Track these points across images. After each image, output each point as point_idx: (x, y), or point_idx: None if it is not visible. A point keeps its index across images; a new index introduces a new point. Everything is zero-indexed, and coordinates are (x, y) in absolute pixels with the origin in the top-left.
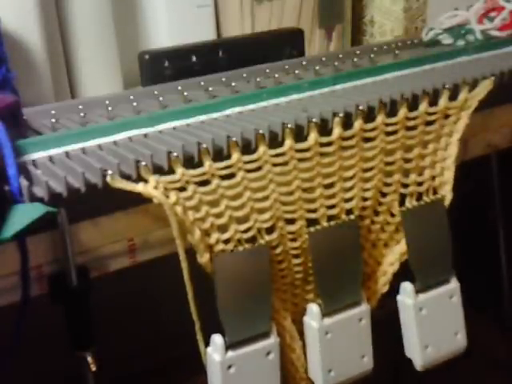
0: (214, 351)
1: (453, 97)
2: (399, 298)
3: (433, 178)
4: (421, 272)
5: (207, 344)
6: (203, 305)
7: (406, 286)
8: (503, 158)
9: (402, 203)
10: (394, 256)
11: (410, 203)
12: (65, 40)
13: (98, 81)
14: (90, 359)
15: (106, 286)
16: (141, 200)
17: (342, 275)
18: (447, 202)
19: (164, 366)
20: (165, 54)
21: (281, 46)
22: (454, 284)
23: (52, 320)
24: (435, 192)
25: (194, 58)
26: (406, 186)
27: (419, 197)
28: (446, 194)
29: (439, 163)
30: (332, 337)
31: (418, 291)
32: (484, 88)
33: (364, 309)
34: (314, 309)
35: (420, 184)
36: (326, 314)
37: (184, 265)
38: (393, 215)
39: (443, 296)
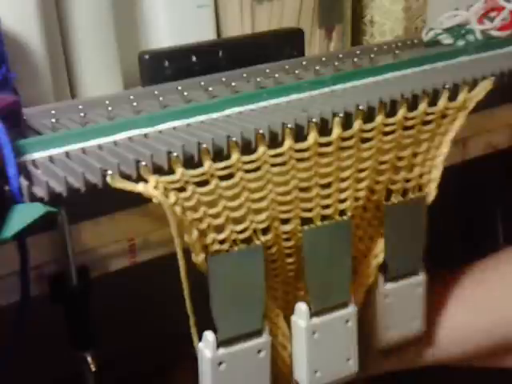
0: (206, 347)
1: (452, 97)
2: None
3: (420, 175)
4: (393, 262)
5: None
6: (202, 304)
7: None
8: (503, 158)
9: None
10: (378, 248)
11: (395, 199)
12: (65, 40)
13: (98, 81)
14: (89, 359)
15: (105, 286)
16: (141, 200)
17: (332, 275)
18: (431, 198)
19: (164, 366)
20: (165, 54)
21: (281, 46)
22: (422, 276)
23: (52, 319)
24: (420, 189)
25: (194, 58)
26: (394, 182)
27: (405, 192)
28: (431, 191)
29: (429, 161)
30: (319, 337)
31: (389, 280)
32: (483, 88)
33: (351, 310)
34: (302, 308)
35: (408, 181)
36: (314, 313)
37: (181, 263)
38: (379, 210)
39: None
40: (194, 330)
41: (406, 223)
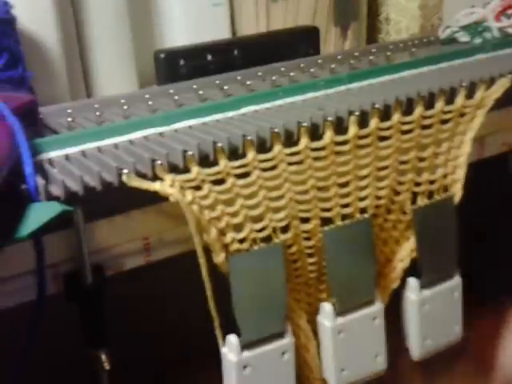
0: (230, 351)
1: (469, 95)
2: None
3: (445, 176)
4: (428, 268)
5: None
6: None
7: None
8: None
9: (413, 201)
10: (404, 252)
11: (421, 201)
12: (81, 39)
13: (114, 80)
14: (103, 358)
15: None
16: (156, 199)
17: (355, 274)
18: (457, 199)
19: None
20: (180, 52)
21: (296, 44)
22: (456, 280)
23: (66, 318)
24: (446, 189)
25: (209, 57)
26: (418, 184)
27: (430, 194)
28: (457, 191)
29: (452, 161)
30: (345, 336)
31: (423, 287)
32: (501, 86)
33: (378, 308)
34: (327, 308)
35: (432, 182)
36: (339, 313)
37: (202, 261)
38: (404, 213)
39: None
40: (218, 332)
41: (435, 226)
